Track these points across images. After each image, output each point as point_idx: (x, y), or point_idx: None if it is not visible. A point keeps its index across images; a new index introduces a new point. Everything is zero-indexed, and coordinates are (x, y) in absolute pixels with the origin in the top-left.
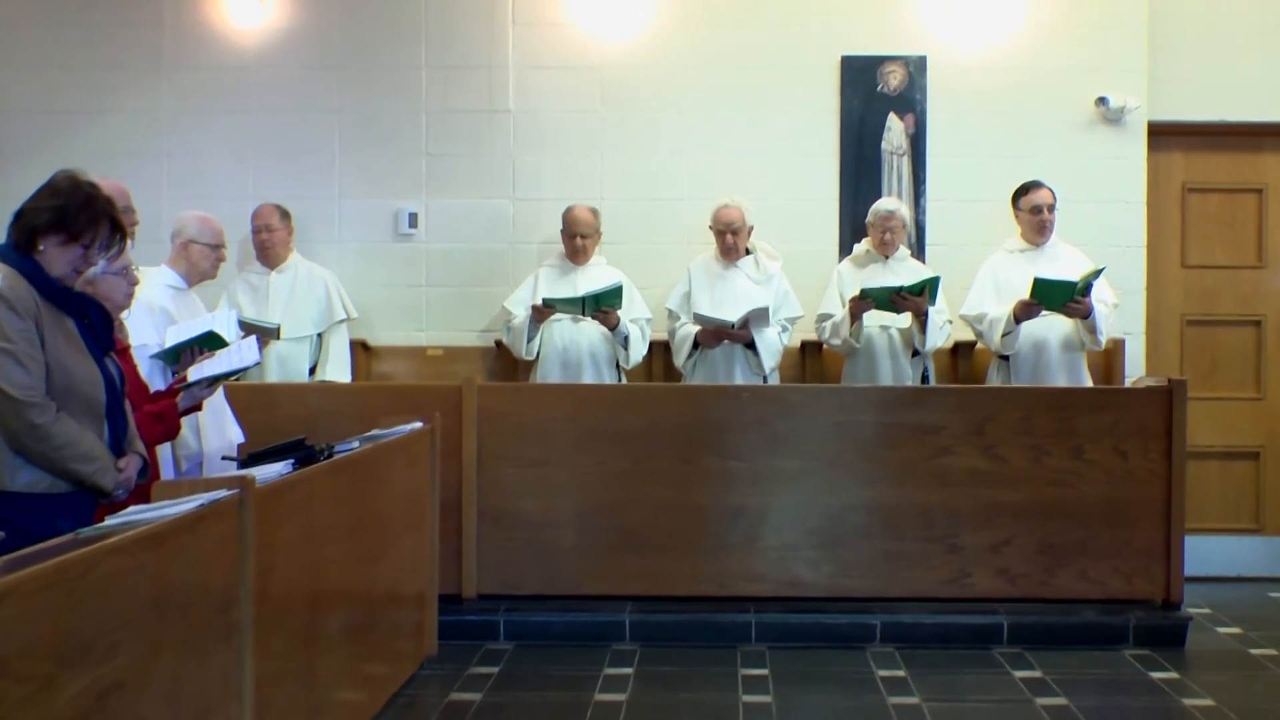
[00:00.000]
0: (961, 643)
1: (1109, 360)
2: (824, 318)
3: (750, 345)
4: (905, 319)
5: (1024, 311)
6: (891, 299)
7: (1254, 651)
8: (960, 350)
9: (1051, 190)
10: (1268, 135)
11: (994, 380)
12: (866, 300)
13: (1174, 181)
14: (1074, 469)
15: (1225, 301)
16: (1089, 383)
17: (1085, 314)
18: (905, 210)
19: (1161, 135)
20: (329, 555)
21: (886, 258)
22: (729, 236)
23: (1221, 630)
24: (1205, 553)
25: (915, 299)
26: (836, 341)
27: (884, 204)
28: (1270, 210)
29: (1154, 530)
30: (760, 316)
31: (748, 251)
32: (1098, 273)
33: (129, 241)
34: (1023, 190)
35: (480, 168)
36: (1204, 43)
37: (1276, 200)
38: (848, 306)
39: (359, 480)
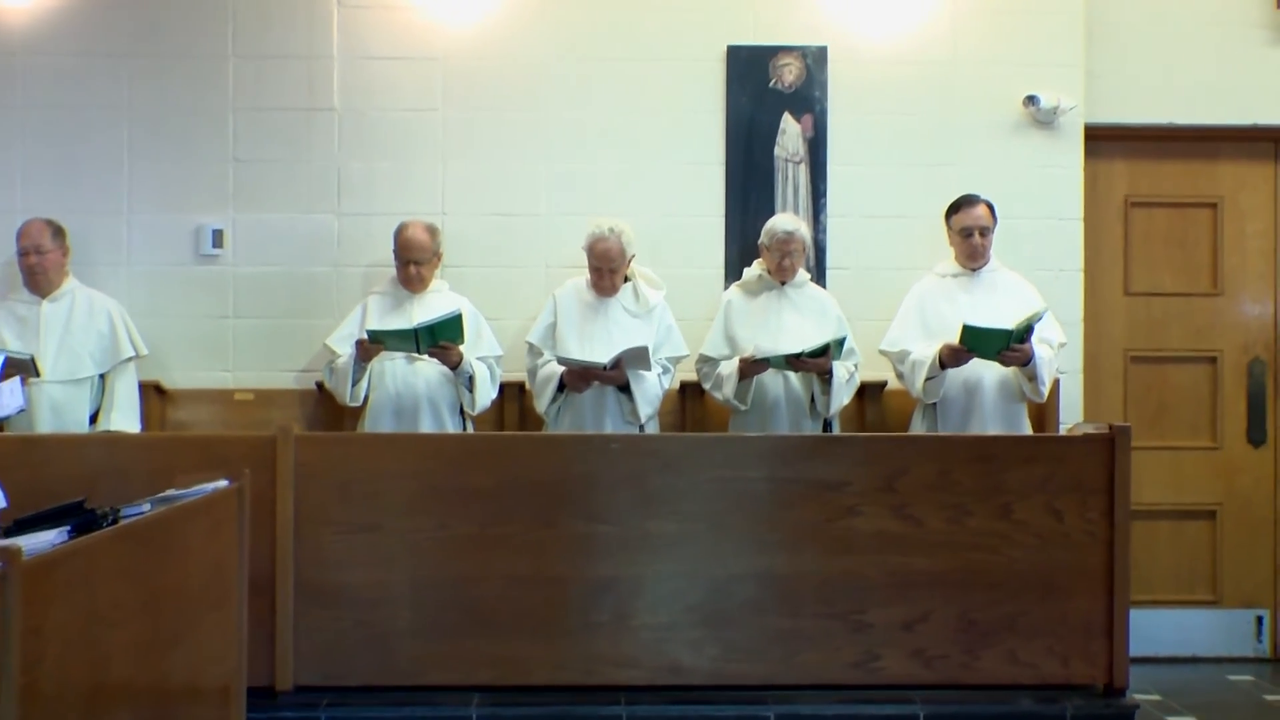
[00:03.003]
0: None
1: (1040, 403)
2: (707, 361)
3: (625, 388)
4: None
5: (952, 358)
6: (789, 361)
7: None
8: (868, 392)
9: (990, 206)
10: (1223, 140)
11: (918, 428)
12: (761, 363)
13: (1115, 194)
14: (1000, 532)
15: (1175, 335)
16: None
17: (1024, 361)
18: (805, 229)
19: (1101, 140)
20: (113, 642)
21: (783, 284)
22: (606, 274)
23: None
24: (1153, 629)
25: (817, 361)
26: (719, 396)
27: (781, 223)
28: (1226, 228)
29: (1094, 603)
30: (638, 357)
31: (626, 279)
32: (1038, 316)
33: None
34: (954, 206)
35: (299, 176)
36: (1149, 33)
37: (1233, 216)
38: (737, 365)
39: (151, 551)
